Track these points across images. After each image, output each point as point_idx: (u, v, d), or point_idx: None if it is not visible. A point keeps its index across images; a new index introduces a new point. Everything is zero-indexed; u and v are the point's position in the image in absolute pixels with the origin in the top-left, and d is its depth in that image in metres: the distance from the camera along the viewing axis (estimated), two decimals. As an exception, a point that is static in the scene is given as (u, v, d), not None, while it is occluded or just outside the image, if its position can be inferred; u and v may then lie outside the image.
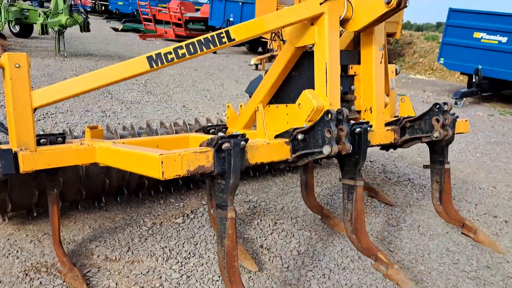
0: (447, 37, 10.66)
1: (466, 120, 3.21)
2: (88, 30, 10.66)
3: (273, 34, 11.50)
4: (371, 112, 2.64)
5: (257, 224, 3.23)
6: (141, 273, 2.51)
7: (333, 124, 2.06)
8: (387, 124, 2.80)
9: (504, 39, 9.71)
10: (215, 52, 14.15)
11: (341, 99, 2.57)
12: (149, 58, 2.23)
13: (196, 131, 3.22)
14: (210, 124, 3.22)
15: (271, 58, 11.49)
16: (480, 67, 9.83)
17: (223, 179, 1.91)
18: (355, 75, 2.70)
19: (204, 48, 2.28)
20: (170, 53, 2.25)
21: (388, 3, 2.26)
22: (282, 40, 11.23)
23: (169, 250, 2.77)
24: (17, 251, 2.63)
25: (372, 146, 2.66)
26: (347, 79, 2.67)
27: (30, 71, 2.15)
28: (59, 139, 2.37)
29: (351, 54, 2.71)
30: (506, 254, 3.08)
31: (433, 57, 15.71)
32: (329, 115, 2.06)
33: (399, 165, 4.99)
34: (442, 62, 10.89)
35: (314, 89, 2.46)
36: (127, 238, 2.87)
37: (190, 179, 3.62)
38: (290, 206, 3.57)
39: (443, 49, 10.79)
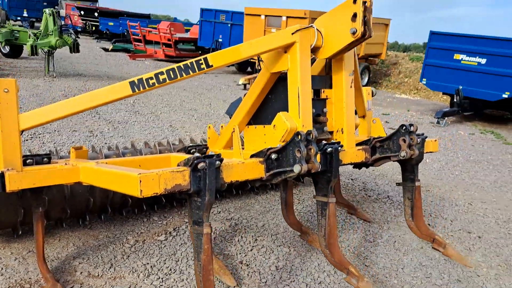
0: (429, 58, 11.00)
1: (435, 140, 3.39)
2: (78, 51, 10.82)
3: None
4: (342, 133, 2.80)
5: (238, 241, 3.33)
6: (123, 288, 2.59)
7: (303, 144, 2.21)
8: (358, 144, 2.96)
9: (483, 61, 10.07)
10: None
11: (314, 120, 2.73)
12: (132, 83, 2.38)
13: (178, 151, 3.34)
14: (191, 144, 3.35)
15: (258, 78, 11.69)
16: (460, 87, 10.14)
17: (199, 197, 2.04)
18: (327, 99, 2.87)
19: (183, 73, 2.43)
20: (151, 78, 2.40)
21: (353, 33, 2.46)
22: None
23: (151, 266, 2.86)
24: (2, 268, 2.70)
25: (344, 164, 2.81)
26: (319, 102, 2.84)
27: (19, 92, 2.27)
28: (45, 159, 2.48)
29: (323, 79, 2.89)
30: (477, 268, 3.22)
31: (417, 77, 16.11)
32: (299, 136, 2.22)
33: (380, 182, 5.14)
34: (425, 82, 11.20)
35: (288, 111, 2.62)
36: (110, 255, 2.96)
37: (174, 197, 3.72)
38: (271, 223, 3.69)
39: (425, 70, 11.12)
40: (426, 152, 3.24)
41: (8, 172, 2.18)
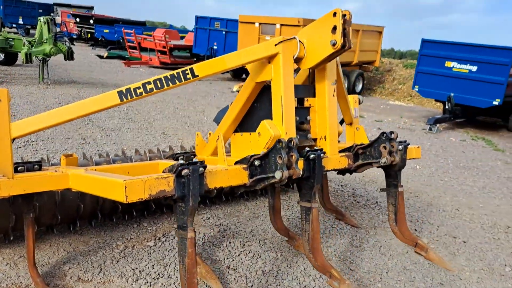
0: (421, 65, 11.16)
1: (418, 146, 3.48)
2: (72, 59, 10.89)
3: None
4: (325, 140, 2.89)
5: (226, 246, 3.40)
6: (111, 292, 2.66)
7: (284, 151, 2.29)
8: (341, 151, 3.05)
9: (474, 68, 10.23)
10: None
11: (298, 128, 2.82)
12: (120, 93, 2.45)
13: (166, 158, 3.42)
14: (179, 152, 3.42)
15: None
16: (452, 94, 10.29)
17: (183, 202, 2.11)
18: (311, 107, 2.96)
19: (170, 83, 2.51)
20: (139, 88, 2.48)
21: (334, 45, 2.56)
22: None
23: (139, 271, 2.92)
24: (-7, 273, 2.76)
25: (328, 171, 2.90)
26: (303, 111, 2.93)
27: (13, 100, 2.35)
28: (36, 166, 2.56)
29: (307, 88, 2.98)
30: (460, 272, 3.30)
31: (411, 84, 16.26)
32: (280, 143, 2.30)
33: (369, 189, 5.22)
34: (417, 89, 11.35)
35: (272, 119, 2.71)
36: (99, 260, 3.02)
37: (164, 203, 3.79)
38: (259, 229, 3.76)
39: (417, 77, 11.27)
40: (409, 159, 3.33)
41: (-1, 179, 2.25)
